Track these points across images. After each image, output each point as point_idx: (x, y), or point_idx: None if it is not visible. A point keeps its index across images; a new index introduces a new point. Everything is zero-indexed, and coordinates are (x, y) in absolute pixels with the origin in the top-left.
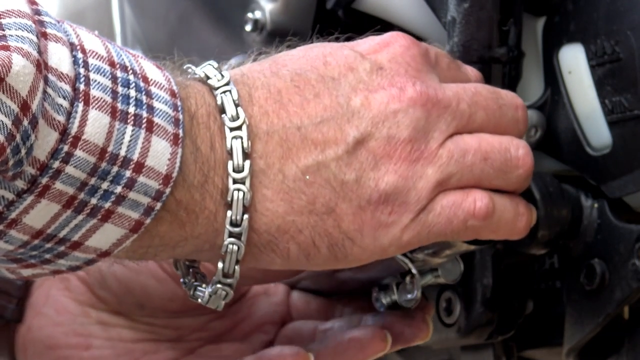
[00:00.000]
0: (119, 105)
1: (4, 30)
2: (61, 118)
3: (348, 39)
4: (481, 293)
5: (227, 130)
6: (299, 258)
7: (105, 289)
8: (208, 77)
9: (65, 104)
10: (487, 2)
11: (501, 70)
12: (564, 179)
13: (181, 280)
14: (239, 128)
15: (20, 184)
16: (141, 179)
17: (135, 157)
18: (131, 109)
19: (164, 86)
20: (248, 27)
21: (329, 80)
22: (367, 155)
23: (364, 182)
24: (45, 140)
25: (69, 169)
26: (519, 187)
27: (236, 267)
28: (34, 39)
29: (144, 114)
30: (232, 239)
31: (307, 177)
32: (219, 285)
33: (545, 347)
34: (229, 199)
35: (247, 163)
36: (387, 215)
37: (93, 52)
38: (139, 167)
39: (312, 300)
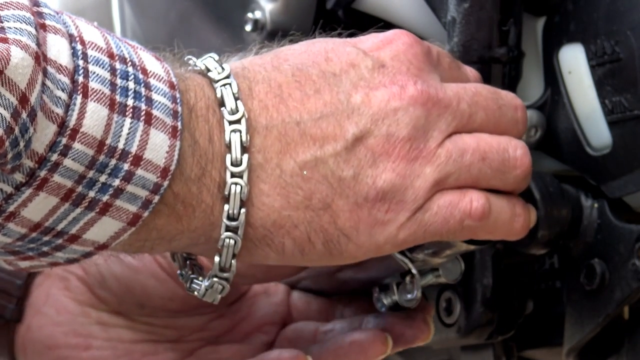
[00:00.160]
0: (118, 98)
1: (2, 22)
2: (60, 110)
3: (350, 35)
4: (481, 293)
5: (226, 124)
6: (293, 253)
7: (105, 288)
8: (208, 70)
9: (63, 96)
10: (487, 2)
11: (501, 70)
12: (564, 179)
13: (178, 272)
14: (237, 122)
15: (18, 177)
16: (139, 171)
17: (134, 149)
18: (130, 101)
19: (162, 78)
20: (248, 27)
21: (330, 76)
22: (365, 152)
23: (362, 179)
24: (44, 133)
25: (67, 162)
26: (517, 188)
27: (233, 261)
28: (33, 31)
29: (143, 106)
30: (228, 233)
31: (305, 172)
32: (215, 279)
33: (545, 347)
34: (227, 192)
35: (245, 157)
36: (384, 213)
37: (92, 43)
38: (137, 160)
39: (312, 301)
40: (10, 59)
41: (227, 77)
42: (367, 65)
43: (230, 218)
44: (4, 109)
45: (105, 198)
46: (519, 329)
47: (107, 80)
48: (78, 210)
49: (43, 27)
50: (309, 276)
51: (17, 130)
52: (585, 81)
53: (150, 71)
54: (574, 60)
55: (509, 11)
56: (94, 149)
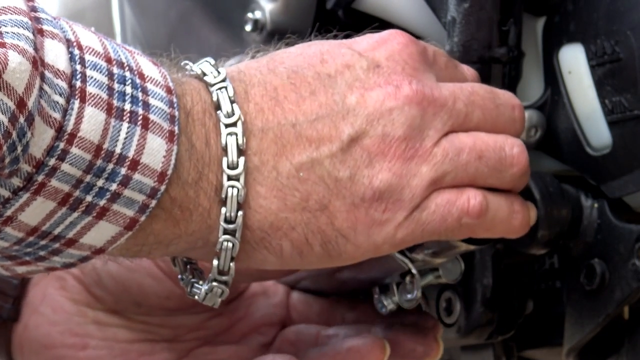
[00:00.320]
0: (115, 102)
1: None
2: (57, 115)
3: (347, 37)
4: (481, 293)
5: (222, 127)
6: (292, 256)
7: (102, 287)
8: (204, 74)
9: (61, 101)
10: (487, 2)
11: (501, 70)
12: (564, 179)
13: (179, 277)
14: (234, 125)
15: (16, 181)
16: (136, 176)
17: (131, 154)
18: (127, 106)
19: (160, 83)
20: (248, 27)
21: (326, 78)
22: (361, 152)
23: (358, 179)
24: (41, 138)
25: (65, 167)
26: (515, 186)
27: (231, 264)
28: (30, 35)
29: (140, 111)
30: (226, 236)
31: (301, 174)
32: (214, 283)
33: (545, 347)
34: (224, 195)
35: (242, 160)
36: (381, 212)
37: (90, 48)
38: (135, 165)
39: (312, 302)
40: (7, 64)
41: (223, 80)
42: (362, 65)
43: (228, 221)
44: (2, 113)
45: (102, 202)
46: (519, 329)
47: (104, 85)
48: (75, 214)
49: (40, 32)
50: (309, 276)
51: (14, 135)
52: (585, 81)
53: (148, 76)
54: (574, 60)
55: (509, 11)
56: (91, 154)
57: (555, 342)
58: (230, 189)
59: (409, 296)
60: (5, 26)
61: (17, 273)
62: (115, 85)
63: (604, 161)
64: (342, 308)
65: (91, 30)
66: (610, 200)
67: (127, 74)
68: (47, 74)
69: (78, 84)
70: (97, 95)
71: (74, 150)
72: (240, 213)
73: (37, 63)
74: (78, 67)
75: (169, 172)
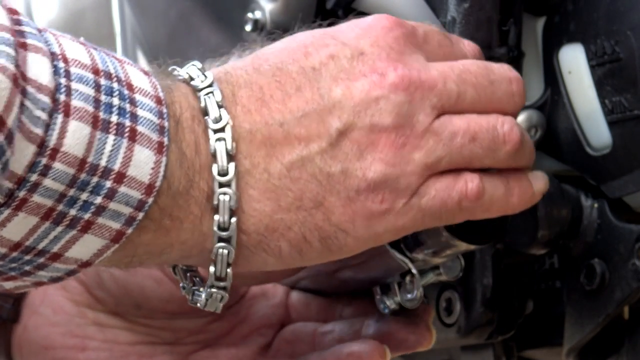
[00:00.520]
0: (101, 115)
1: None
2: (39, 131)
3: (331, 25)
4: (481, 293)
5: (210, 133)
6: (291, 255)
7: (103, 289)
8: (192, 78)
9: (43, 116)
10: (487, 2)
11: None
12: (564, 179)
13: (180, 285)
14: (222, 130)
15: None
16: (122, 189)
17: (117, 167)
18: (114, 118)
19: (149, 93)
20: (248, 27)
21: (310, 72)
22: (351, 145)
23: (351, 173)
24: (23, 154)
25: (47, 182)
26: (511, 164)
27: (228, 270)
28: (12, 52)
29: (127, 123)
30: (221, 243)
31: (293, 173)
32: (213, 290)
33: (545, 347)
34: (215, 202)
35: (232, 165)
36: (379, 203)
37: (76, 60)
38: (120, 177)
39: (311, 301)
40: None
41: (210, 85)
42: (347, 54)
43: (221, 228)
44: None
45: (87, 216)
46: (519, 329)
47: (90, 97)
48: (59, 228)
49: (24, 46)
50: (308, 276)
51: None
52: (585, 81)
53: (137, 86)
54: (574, 60)
55: (509, 11)
56: (75, 168)
57: (555, 342)
58: (222, 196)
59: (409, 296)
60: None
61: (5, 289)
62: (102, 97)
63: (604, 161)
64: (340, 305)
65: (79, 41)
66: (610, 200)
67: (115, 85)
68: (30, 89)
69: (62, 97)
70: (82, 108)
71: (57, 165)
72: (233, 219)
73: (18, 80)
74: (62, 80)
75: (158, 183)
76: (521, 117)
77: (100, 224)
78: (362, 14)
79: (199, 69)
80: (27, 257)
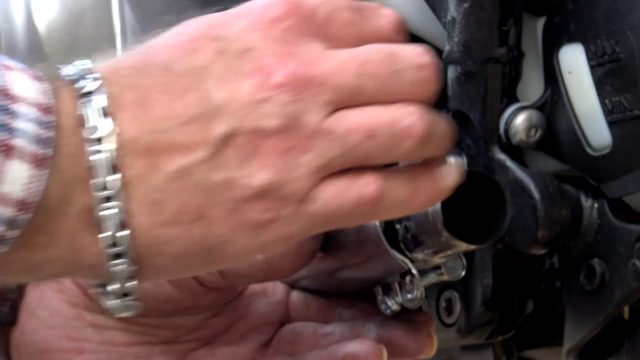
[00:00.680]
0: None
1: None
2: None
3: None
4: (481, 293)
5: (91, 143)
6: (179, 267)
7: None
8: (80, 78)
9: None
10: (487, 2)
11: (501, 70)
12: (564, 179)
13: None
14: (104, 139)
15: None
16: None
17: None
18: None
19: (33, 102)
20: None
21: (196, 72)
22: (234, 153)
23: (234, 182)
24: None
25: None
26: (418, 156)
27: (127, 284)
28: None
29: (2, 137)
30: (113, 260)
31: (175, 184)
32: (118, 301)
33: (545, 347)
34: (96, 217)
35: (113, 177)
36: (263, 213)
37: None
38: None
39: (311, 301)
40: None
41: (96, 89)
42: (236, 49)
43: (108, 244)
44: None
45: None
46: (519, 329)
47: None
48: None
49: None
50: (308, 275)
51: None
52: (585, 81)
53: (18, 95)
54: (574, 60)
55: (509, 11)
56: None
57: (555, 342)
58: (104, 210)
59: (409, 296)
60: None
61: None
62: None
63: (604, 161)
64: (341, 306)
65: None
66: (610, 200)
67: None
68: None
69: None
70: None
71: None
72: (121, 234)
73: None
74: None
75: (33, 199)
76: (521, 117)
77: None
78: None
79: (86, 68)
80: None
